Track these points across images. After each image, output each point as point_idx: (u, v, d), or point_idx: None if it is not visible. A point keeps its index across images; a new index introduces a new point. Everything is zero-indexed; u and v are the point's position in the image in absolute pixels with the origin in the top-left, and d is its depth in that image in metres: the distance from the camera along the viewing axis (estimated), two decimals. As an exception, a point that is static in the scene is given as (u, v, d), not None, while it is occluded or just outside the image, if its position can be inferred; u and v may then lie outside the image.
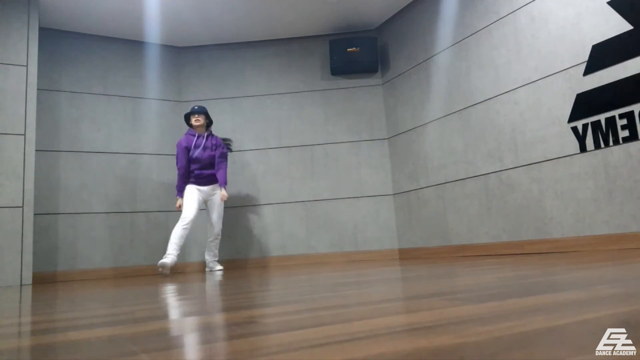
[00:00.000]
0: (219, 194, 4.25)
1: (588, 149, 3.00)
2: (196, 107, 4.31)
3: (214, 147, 4.31)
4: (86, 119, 4.57)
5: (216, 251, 4.29)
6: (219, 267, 4.28)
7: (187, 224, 4.03)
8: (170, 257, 3.87)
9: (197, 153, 4.22)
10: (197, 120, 4.25)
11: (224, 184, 4.21)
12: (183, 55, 5.09)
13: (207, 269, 4.33)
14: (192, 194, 4.18)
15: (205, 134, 4.27)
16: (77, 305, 1.66)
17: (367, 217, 4.72)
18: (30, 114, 3.86)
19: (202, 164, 4.24)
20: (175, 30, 4.78)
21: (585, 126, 3.01)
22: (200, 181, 4.23)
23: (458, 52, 4.03)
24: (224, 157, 4.30)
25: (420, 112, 4.40)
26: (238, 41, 5.08)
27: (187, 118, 4.32)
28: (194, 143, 4.22)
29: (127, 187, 4.63)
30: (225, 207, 4.34)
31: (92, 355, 0.73)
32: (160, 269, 3.83)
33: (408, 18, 4.62)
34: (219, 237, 4.29)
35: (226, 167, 4.29)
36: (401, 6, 4.65)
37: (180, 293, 1.96)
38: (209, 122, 4.36)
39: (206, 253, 4.32)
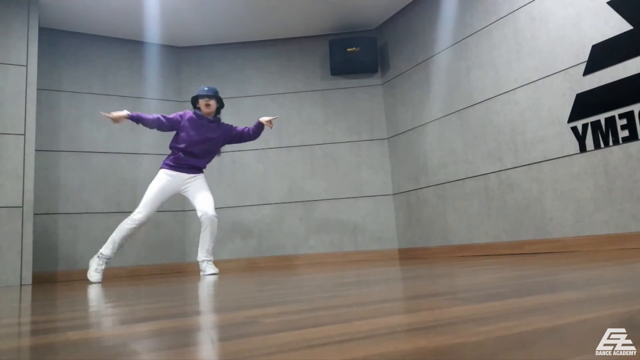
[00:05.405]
0: (200, 179, 3.52)
1: (588, 149, 3.00)
2: (206, 88, 3.57)
3: (219, 135, 3.58)
4: (86, 119, 4.57)
5: (211, 246, 3.49)
6: (212, 269, 3.47)
7: (138, 222, 3.35)
8: (93, 273, 3.35)
9: (193, 134, 3.48)
10: (208, 106, 3.53)
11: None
12: (183, 55, 5.09)
13: (201, 272, 3.53)
14: (159, 185, 3.41)
15: (212, 119, 3.60)
16: (77, 305, 1.66)
17: (367, 217, 4.72)
18: (30, 113, 3.86)
19: (192, 144, 3.48)
20: (175, 30, 4.78)
21: (585, 126, 3.02)
22: (181, 164, 3.48)
23: (458, 52, 4.03)
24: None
25: (420, 112, 4.40)
26: (238, 41, 5.08)
27: (195, 101, 3.60)
28: (196, 123, 3.51)
29: (127, 187, 4.63)
30: (225, 207, 4.21)
31: (92, 355, 0.72)
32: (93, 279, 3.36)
33: (408, 18, 4.62)
34: (215, 220, 3.46)
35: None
36: (401, 6, 4.65)
37: (179, 293, 1.96)
38: (219, 106, 3.64)
39: (199, 250, 3.49)
